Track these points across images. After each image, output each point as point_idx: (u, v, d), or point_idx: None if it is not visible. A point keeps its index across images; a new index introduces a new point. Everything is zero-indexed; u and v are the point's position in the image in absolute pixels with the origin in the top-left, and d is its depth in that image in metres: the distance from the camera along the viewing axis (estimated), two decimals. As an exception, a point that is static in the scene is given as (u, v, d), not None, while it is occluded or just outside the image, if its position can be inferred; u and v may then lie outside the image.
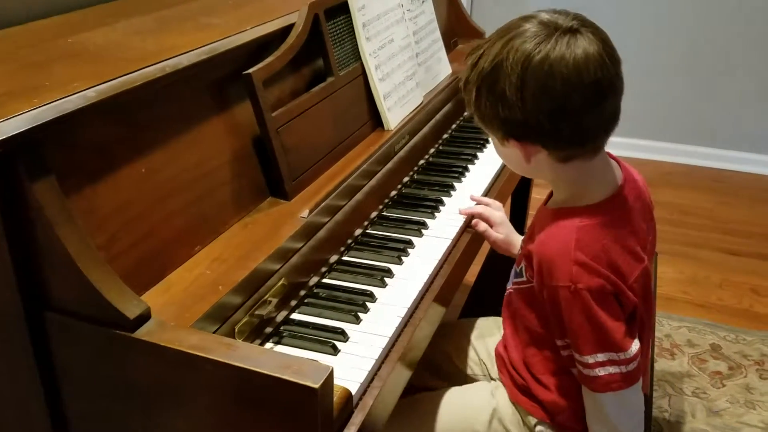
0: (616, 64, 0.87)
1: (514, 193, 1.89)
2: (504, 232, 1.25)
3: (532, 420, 1.06)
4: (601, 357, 0.90)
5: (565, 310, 0.90)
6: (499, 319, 1.19)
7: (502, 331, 1.24)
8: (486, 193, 1.39)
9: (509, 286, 1.09)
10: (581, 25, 0.86)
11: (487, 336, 1.26)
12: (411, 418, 1.13)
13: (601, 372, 0.91)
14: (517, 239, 1.25)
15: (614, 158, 1.00)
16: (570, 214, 0.93)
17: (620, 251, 0.91)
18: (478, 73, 0.89)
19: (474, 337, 1.27)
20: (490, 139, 0.99)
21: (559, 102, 0.84)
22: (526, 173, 1.00)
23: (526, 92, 0.84)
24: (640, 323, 0.97)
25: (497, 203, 1.30)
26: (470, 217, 1.26)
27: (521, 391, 1.08)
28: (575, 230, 0.90)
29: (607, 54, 0.85)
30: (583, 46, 0.84)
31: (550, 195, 1.03)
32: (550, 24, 0.86)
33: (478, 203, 1.29)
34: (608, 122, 0.89)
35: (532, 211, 2.12)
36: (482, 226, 1.24)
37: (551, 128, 0.86)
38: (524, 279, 1.01)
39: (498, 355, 1.15)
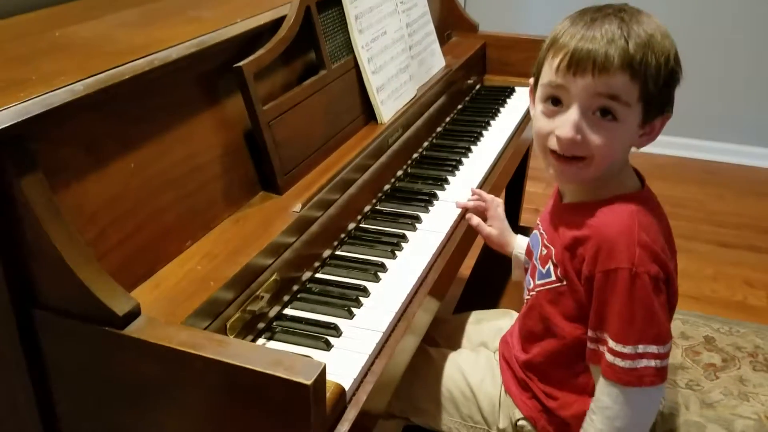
0: None
1: (508, 186, 1.88)
2: (499, 228, 1.23)
3: (517, 413, 1.06)
4: (641, 348, 0.88)
5: (619, 294, 0.88)
6: (493, 311, 1.18)
7: (497, 318, 1.24)
8: (480, 187, 1.38)
9: (530, 292, 1.05)
10: None
11: (483, 322, 1.27)
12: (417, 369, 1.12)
13: (638, 364, 0.89)
14: (512, 238, 1.24)
15: None
16: (623, 200, 0.92)
17: (665, 240, 0.93)
18: (668, 48, 0.89)
19: (469, 326, 1.27)
20: (605, 131, 0.90)
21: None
22: (610, 163, 0.93)
23: (679, 67, 0.91)
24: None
25: (497, 200, 1.28)
26: (465, 211, 1.25)
27: (519, 384, 1.07)
28: (635, 213, 0.90)
29: None
30: None
31: (557, 192, 1.02)
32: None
33: (477, 197, 1.27)
34: None
35: (527, 204, 2.13)
36: (475, 220, 1.23)
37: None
38: (553, 279, 0.98)
39: (504, 342, 1.14)
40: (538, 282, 1.02)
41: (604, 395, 0.92)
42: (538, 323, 1.03)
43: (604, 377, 0.92)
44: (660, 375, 0.90)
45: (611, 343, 0.90)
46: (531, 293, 1.05)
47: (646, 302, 0.88)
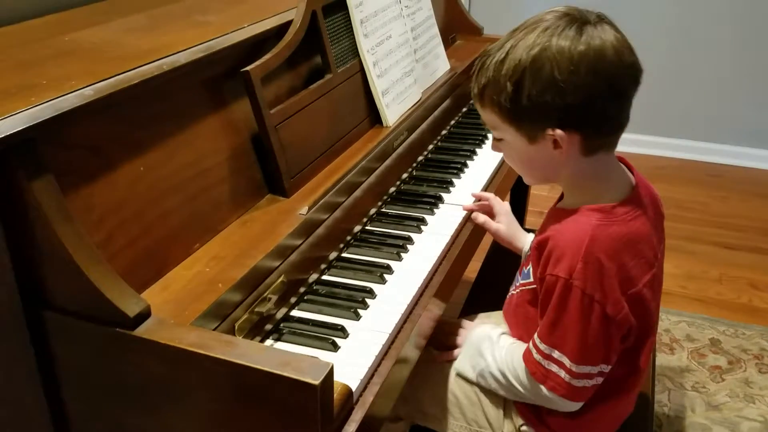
0: (635, 52, 0.91)
1: (513, 188, 1.89)
2: (506, 222, 1.24)
3: (519, 420, 1.07)
4: (556, 354, 0.92)
5: (553, 299, 0.91)
6: (499, 313, 1.19)
7: (503, 320, 1.25)
8: (485, 189, 1.39)
9: (513, 290, 1.08)
10: (601, 19, 0.90)
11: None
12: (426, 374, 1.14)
13: (549, 366, 0.93)
14: (521, 233, 1.24)
15: (627, 164, 1.01)
16: (588, 211, 0.93)
17: (632, 255, 0.92)
18: (514, 66, 0.87)
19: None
20: (503, 147, 0.98)
21: (609, 83, 0.87)
22: (544, 175, 0.99)
23: (579, 75, 0.85)
24: (639, 337, 0.97)
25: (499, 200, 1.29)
26: (471, 212, 1.26)
27: None
28: (591, 228, 0.90)
29: (629, 43, 0.90)
30: (612, 34, 0.88)
31: (561, 197, 1.03)
32: (577, 17, 0.88)
33: (479, 199, 1.29)
34: (629, 112, 0.92)
35: (531, 207, 2.14)
36: (481, 218, 1.24)
37: (600, 111, 0.88)
38: (531, 280, 1.00)
39: None
40: (521, 281, 1.05)
41: (522, 364, 0.98)
42: (520, 321, 1.05)
43: (523, 356, 0.98)
44: (567, 389, 0.93)
45: (535, 335, 0.95)
46: (516, 290, 1.07)
47: (572, 316, 0.90)
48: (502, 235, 1.24)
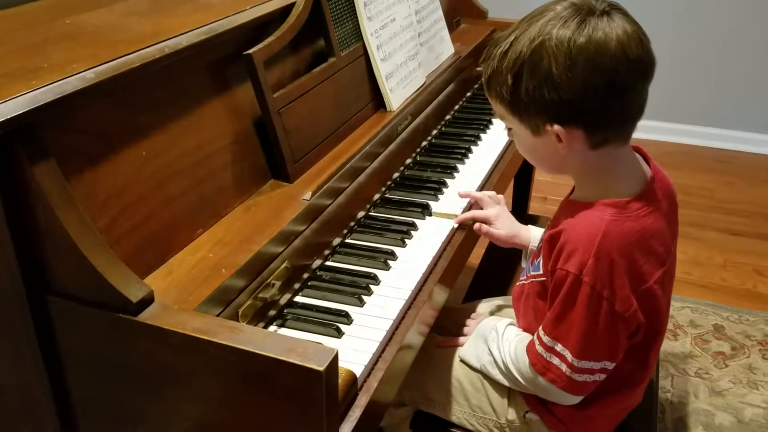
0: (649, 43, 0.87)
1: (517, 174, 1.87)
2: (505, 226, 1.20)
3: (524, 407, 1.07)
4: (559, 347, 0.92)
5: (561, 293, 0.91)
6: (502, 299, 1.18)
7: (507, 306, 1.24)
8: (489, 175, 1.38)
9: (524, 279, 1.07)
10: (613, 8, 0.87)
11: (493, 310, 1.26)
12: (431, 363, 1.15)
13: (551, 359, 0.93)
14: (520, 228, 1.22)
15: (644, 154, 0.99)
16: (602, 206, 0.91)
17: (644, 252, 0.90)
18: (515, 58, 0.86)
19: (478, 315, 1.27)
20: (513, 136, 0.97)
21: (608, 78, 0.83)
22: (553, 166, 0.98)
23: (576, 70, 0.83)
24: (648, 335, 0.96)
25: (495, 196, 1.25)
26: (474, 200, 1.24)
27: None
28: (605, 223, 0.89)
29: (642, 34, 0.87)
30: (621, 25, 0.85)
31: (573, 189, 1.02)
32: (583, 7, 0.86)
33: (469, 197, 1.25)
34: (643, 103, 0.89)
35: (535, 193, 2.13)
36: (485, 228, 1.19)
37: (599, 106, 0.85)
38: (541, 272, 0.99)
39: None
40: (532, 273, 1.04)
41: (524, 355, 0.98)
42: (529, 312, 1.05)
43: (527, 347, 0.98)
44: (566, 382, 0.93)
45: (540, 327, 0.95)
46: (526, 281, 1.06)
47: (579, 311, 0.89)
48: (504, 240, 1.20)
